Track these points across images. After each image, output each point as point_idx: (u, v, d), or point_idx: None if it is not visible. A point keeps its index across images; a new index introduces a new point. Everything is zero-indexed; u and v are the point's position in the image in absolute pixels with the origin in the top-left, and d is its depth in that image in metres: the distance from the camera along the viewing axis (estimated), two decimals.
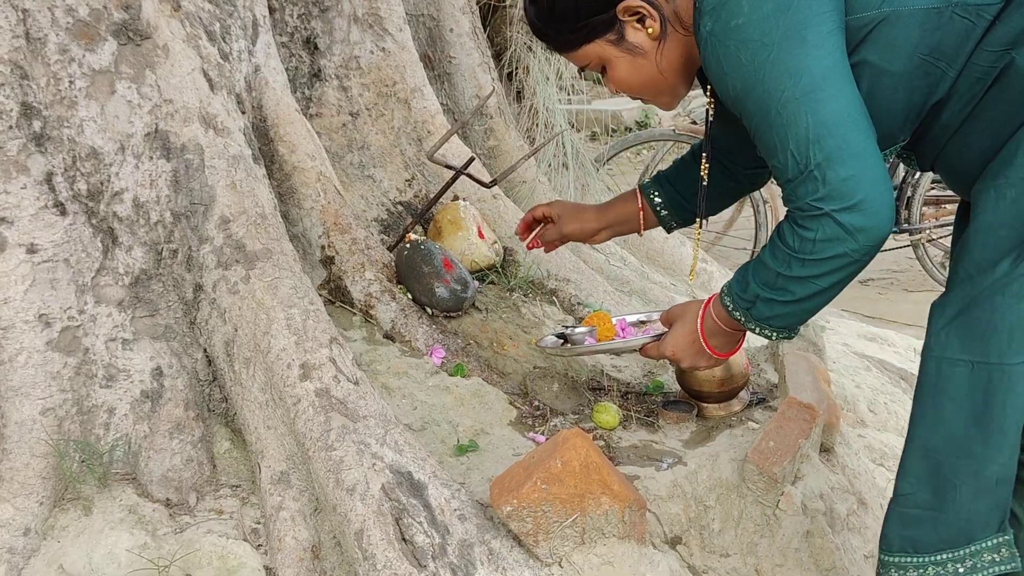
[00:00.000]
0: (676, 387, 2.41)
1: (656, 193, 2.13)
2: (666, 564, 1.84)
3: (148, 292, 2.09)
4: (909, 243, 5.34)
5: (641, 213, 2.16)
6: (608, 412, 2.24)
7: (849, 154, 1.42)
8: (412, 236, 2.67)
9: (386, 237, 2.82)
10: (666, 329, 1.92)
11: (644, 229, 2.20)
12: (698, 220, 2.05)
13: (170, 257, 2.12)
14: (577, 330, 2.24)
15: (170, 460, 2.01)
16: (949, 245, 5.87)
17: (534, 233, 2.25)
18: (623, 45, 1.66)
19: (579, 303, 2.87)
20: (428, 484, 1.83)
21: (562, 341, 2.27)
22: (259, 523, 1.96)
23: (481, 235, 2.81)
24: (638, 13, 1.62)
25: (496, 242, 2.90)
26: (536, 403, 2.33)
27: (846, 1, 1.46)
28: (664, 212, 2.13)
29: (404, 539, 1.74)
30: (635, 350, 2.07)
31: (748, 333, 1.77)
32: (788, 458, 2.01)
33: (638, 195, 2.16)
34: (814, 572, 2.01)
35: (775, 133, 1.46)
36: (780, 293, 1.57)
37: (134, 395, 2.03)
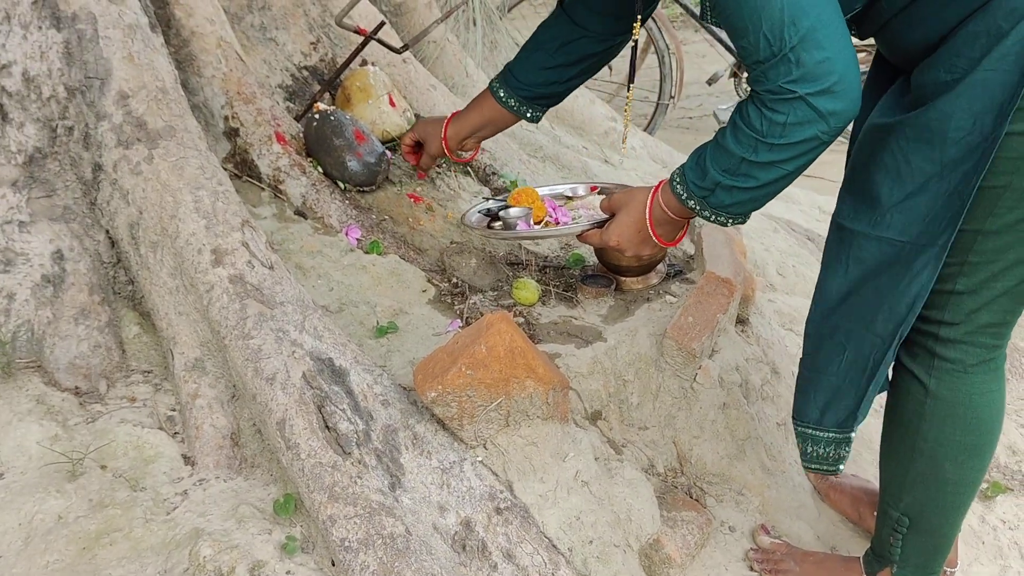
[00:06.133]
0: (594, 260, 2.39)
1: (503, 92, 2.21)
2: (588, 441, 1.86)
3: (44, 172, 1.97)
4: None
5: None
6: (527, 288, 2.22)
7: (824, 35, 1.37)
8: (320, 105, 2.56)
9: (292, 106, 2.70)
10: (606, 216, 1.89)
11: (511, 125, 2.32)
12: (628, 88, 2.00)
13: (66, 135, 1.99)
14: (512, 212, 2.16)
15: (76, 347, 1.93)
16: None
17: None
18: None
19: (494, 172, 2.81)
20: (350, 370, 1.80)
21: (488, 217, 2.21)
22: (174, 411, 1.91)
23: (392, 103, 2.70)
24: None
25: (407, 110, 2.79)
26: (454, 280, 2.30)
27: None
28: (522, 107, 2.22)
29: (327, 427, 1.72)
30: (574, 236, 2.03)
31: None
32: (706, 333, 2.04)
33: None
34: (729, 442, 2.06)
35: (746, 14, 1.39)
36: (742, 180, 1.52)
37: (35, 279, 1.93)
